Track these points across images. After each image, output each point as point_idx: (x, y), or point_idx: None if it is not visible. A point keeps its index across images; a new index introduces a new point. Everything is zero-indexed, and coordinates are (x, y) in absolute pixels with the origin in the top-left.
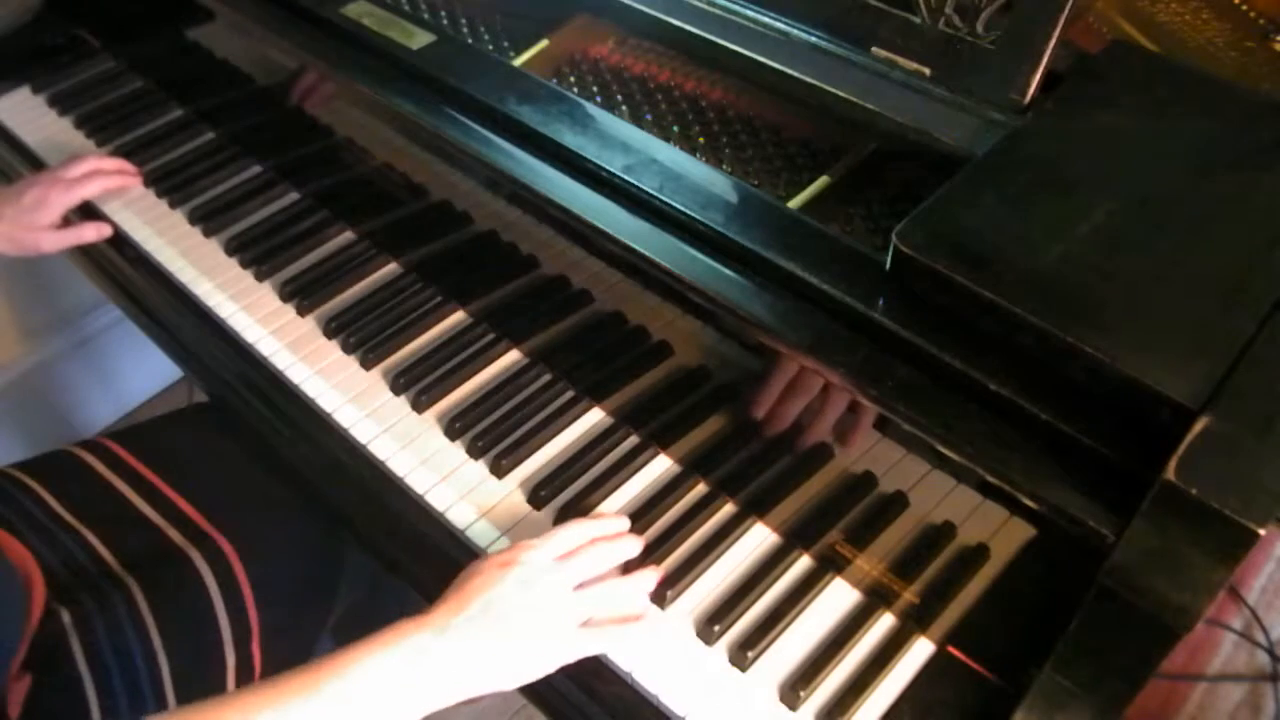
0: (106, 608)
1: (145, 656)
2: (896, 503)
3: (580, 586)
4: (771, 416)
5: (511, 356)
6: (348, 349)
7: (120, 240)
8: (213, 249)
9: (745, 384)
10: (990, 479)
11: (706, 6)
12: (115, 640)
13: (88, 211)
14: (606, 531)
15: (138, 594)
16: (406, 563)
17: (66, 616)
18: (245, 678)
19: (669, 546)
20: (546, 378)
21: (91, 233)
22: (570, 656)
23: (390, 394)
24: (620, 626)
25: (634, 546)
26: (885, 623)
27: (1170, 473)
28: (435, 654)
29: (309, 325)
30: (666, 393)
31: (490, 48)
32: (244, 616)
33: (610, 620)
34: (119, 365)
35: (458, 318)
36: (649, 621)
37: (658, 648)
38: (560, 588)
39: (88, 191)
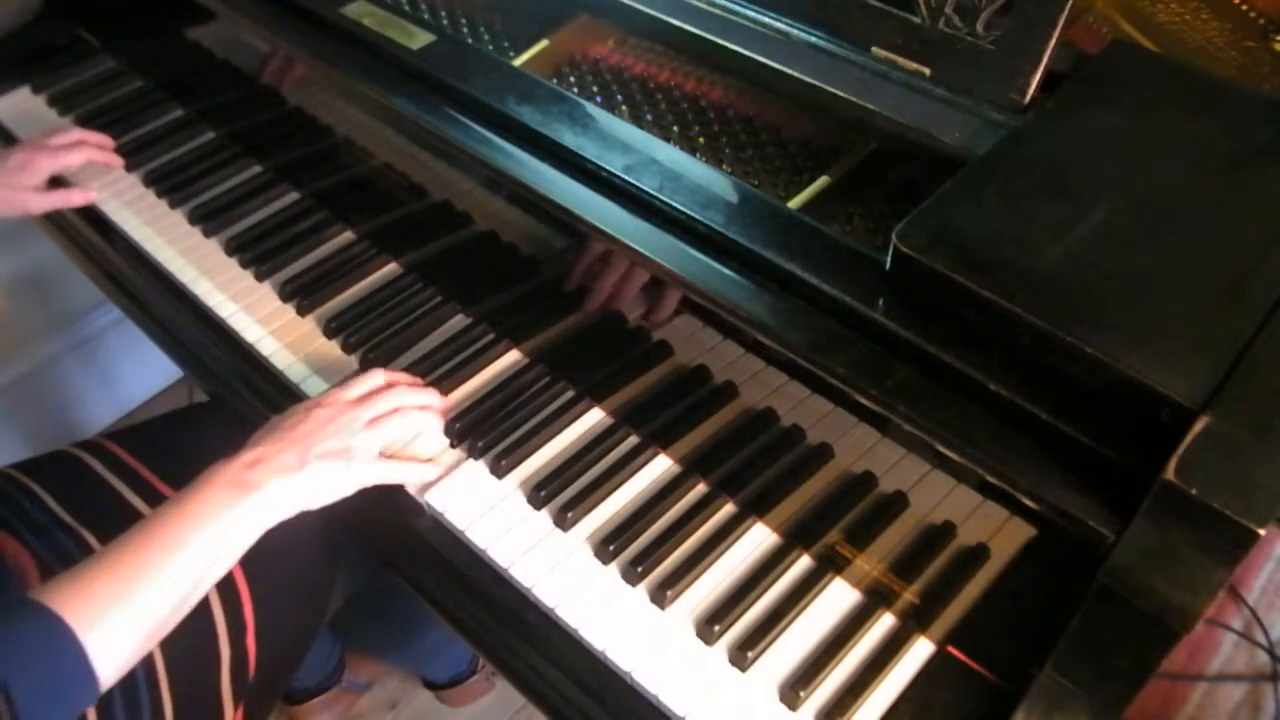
0: None
1: None
2: (896, 503)
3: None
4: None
5: (512, 356)
6: (348, 349)
7: (120, 239)
8: (213, 249)
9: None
10: (990, 479)
11: (706, 6)
12: None
13: (86, 210)
14: (405, 379)
15: None
16: (402, 559)
17: None
18: (240, 672)
19: (669, 546)
20: (546, 378)
21: (78, 197)
22: (367, 479)
23: None
24: (411, 464)
25: (432, 396)
26: (885, 623)
27: (1170, 473)
28: (254, 484)
29: (309, 325)
30: (666, 393)
31: (490, 48)
32: (239, 612)
33: (406, 456)
34: (119, 365)
35: (457, 318)
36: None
37: (658, 648)
38: (357, 420)
39: (72, 159)
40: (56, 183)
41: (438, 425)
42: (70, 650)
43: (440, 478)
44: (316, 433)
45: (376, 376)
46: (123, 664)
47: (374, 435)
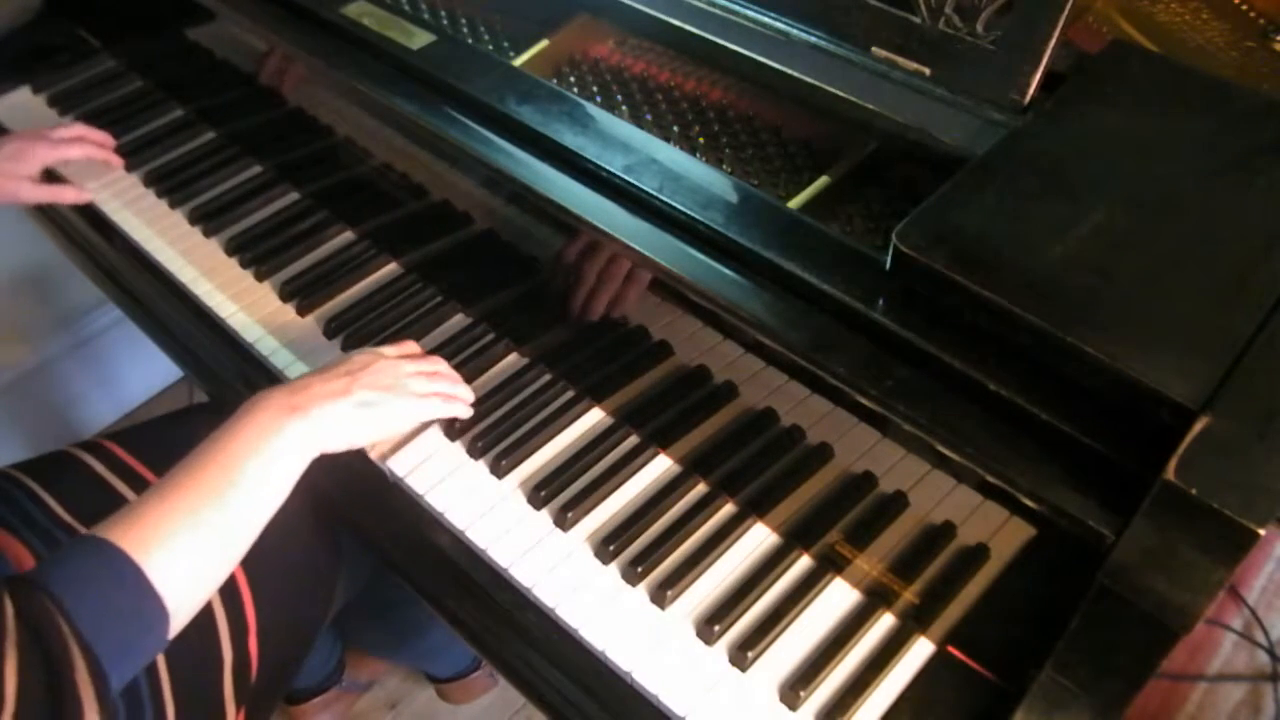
0: None
1: None
2: (896, 503)
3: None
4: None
5: (511, 357)
6: (348, 349)
7: (120, 240)
8: (213, 249)
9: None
10: (990, 479)
11: (706, 6)
12: None
13: (86, 210)
14: (438, 360)
15: None
16: (404, 560)
17: None
18: (242, 674)
19: (669, 546)
20: (546, 378)
21: (71, 194)
22: (412, 413)
23: None
24: (449, 402)
25: (462, 387)
26: (885, 623)
27: (1170, 473)
28: (302, 407)
29: (309, 325)
30: (666, 393)
31: (490, 48)
32: (241, 614)
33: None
34: (119, 365)
35: (457, 318)
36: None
37: (658, 648)
38: (400, 367)
39: (71, 153)
40: (53, 177)
41: (465, 402)
42: (132, 576)
43: (441, 479)
44: (363, 369)
45: (410, 344)
46: (191, 594)
47: (417, 380)
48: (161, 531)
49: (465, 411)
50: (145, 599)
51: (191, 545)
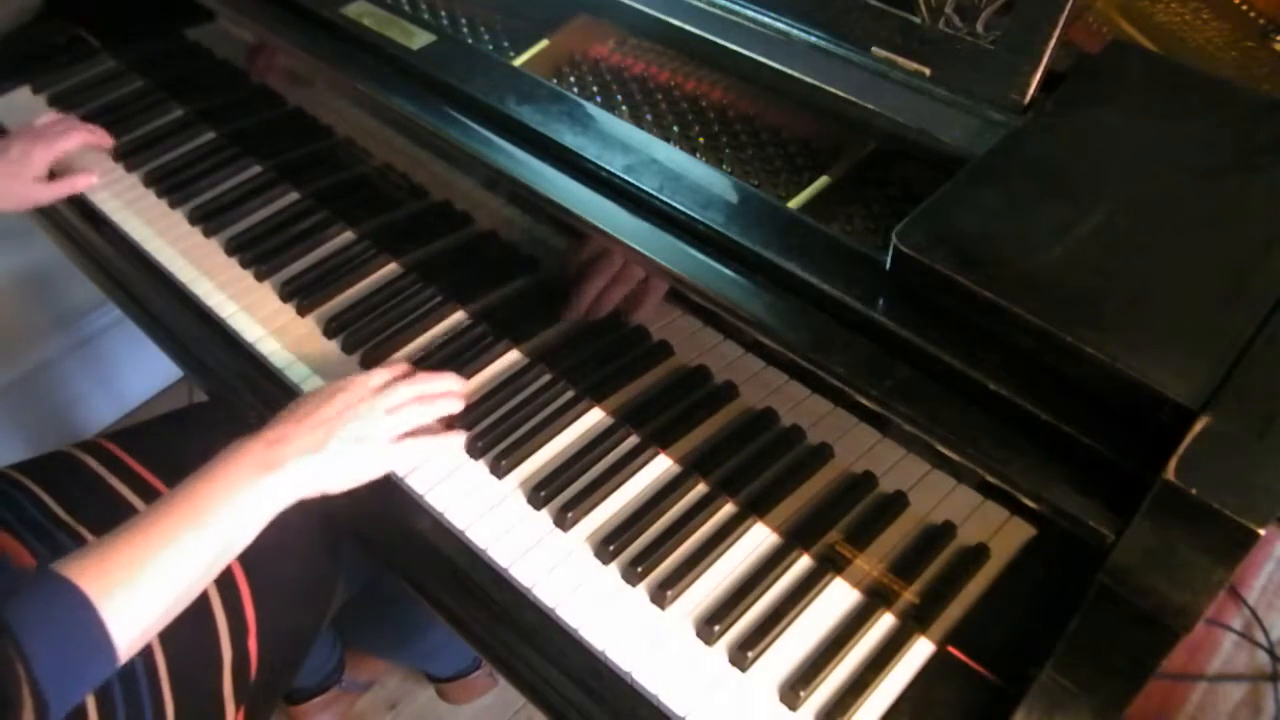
0: None
1: (141, 653)
2: (896, 503)
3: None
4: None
5: (511, 356)
6: (348, 349)
7: (120, 239)
8: (213, 249)
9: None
10: (990, 479)
11: (706, 6)
12: None
13: (86, 210)
14: (429, 378)
15: None
16: (404, 560)
17: None
18: (241, 674)
19: (669, 546)
20: (546, 378)
21: (82, 180)
22: (386, 464)
23: None
24: (429, 442)
25: (453, 381)
26: (885, 623)
27: (1170, 473)
28: (276, 463)
29: (309, 325)
30: (666, 393)
31: (490, 48)
32: (241, 613)
33: (423, 439)
34: (119, 365)
35: (457, 318)
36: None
37: (658, 648)
38: (377, 407)
39: (68, 144)
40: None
41: (458, 407)
42: (88, 621)
43: (441, 479)
44: (339, 416)
45: (400, 365)
46: (141, 636)
47: (394, 421)
48: (126, 576)
49: (450, 449)
50: (100, 646)
51: (153, 593)
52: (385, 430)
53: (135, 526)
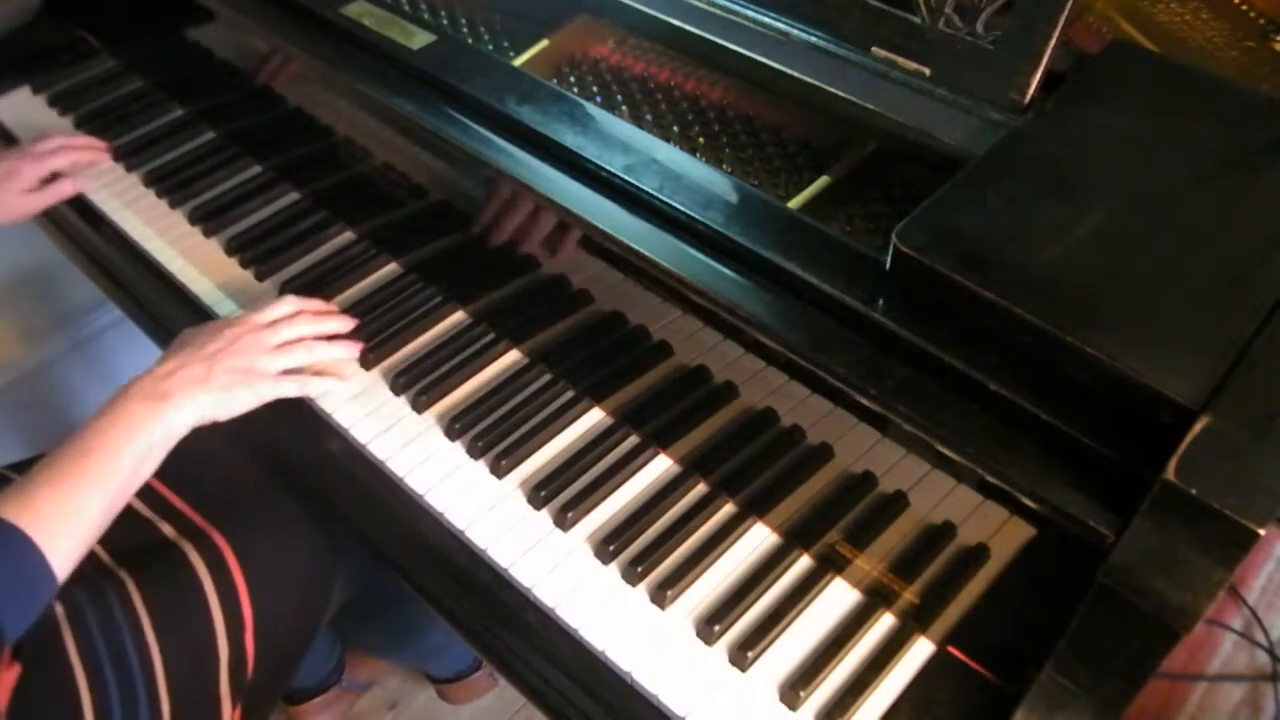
0: (99, 601)
1: (138, 649)
2: (896, 503)
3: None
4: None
5: (511, 356)
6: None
7: (120, 239)
8: (213, 249)
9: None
10: (990, 479)
11: (706, 6)
12: (108, 633)
13: (86, 211)
14: (315, 306)
15: (131, 587)
16: (404, 560)
17: (59, 609)
18: (238, 671)
19: (669, 546)
20: (546, 378)
21: (68, 187)
22: (267, 395)
23: (390, 394)
24: (315, 379)
25: (339, 323)
26: (885, 623)
27: (1170, 473)
28: (166, 394)
29: None
30: (666, 393)
31: (490, 48)
32: (238, 610)
33: (311, 373)
34: (119, 365)
35: (458, 318)
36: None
37: (658, 648)
38: (264, 343)
39: (57, 162)
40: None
41: (345, 354)
42: (30, 553)
43: (441, 479)
44: (225, 349)
45: (286, 303)
46: (72, 562)
47: (277, 359)
48: (53, 511)
49: (330, 385)
50: (40, 573)
51: (79, 524)
52: (267, 365)
53: (53, 467)
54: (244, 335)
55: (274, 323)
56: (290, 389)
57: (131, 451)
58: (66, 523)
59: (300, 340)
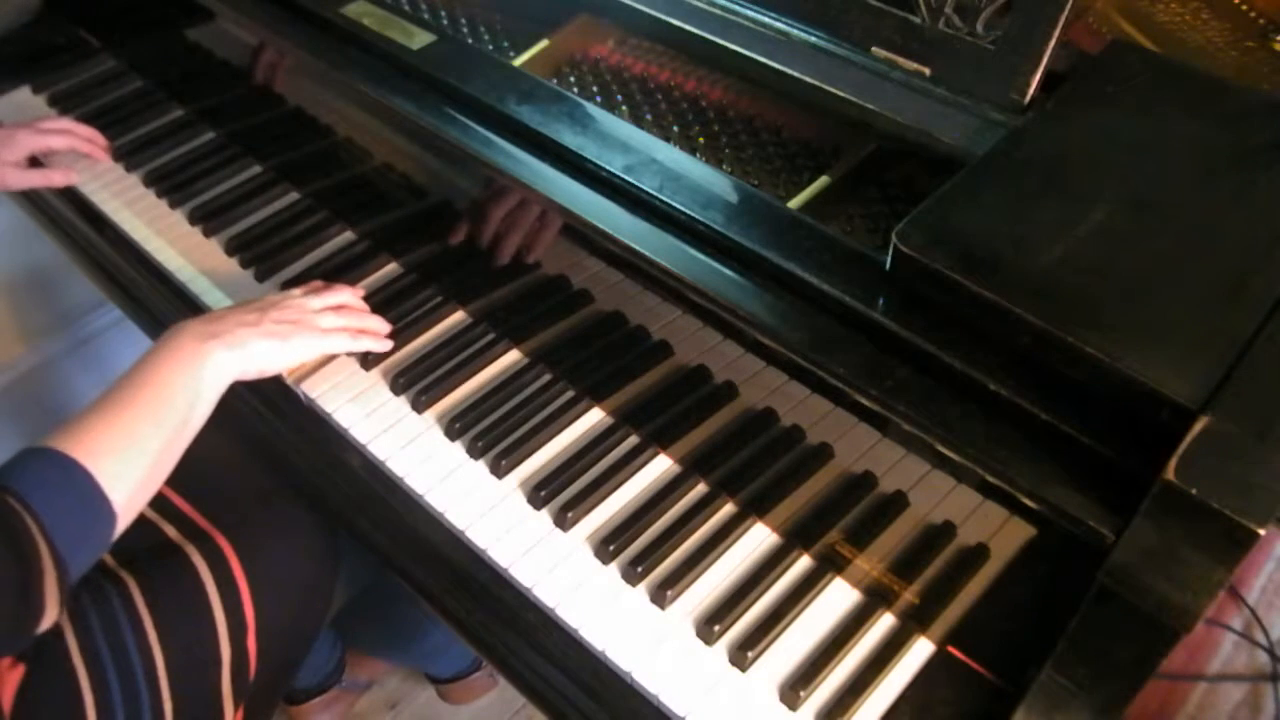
0: (102, 602)
1: (140, 650)
2: (896, 503)
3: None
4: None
5: (511, 356)
6: None
7: (120, 240)
8: (213, 249)
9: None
10: (990, 479)
11: (706, 6)
12: (110, 634)
13: (86, 210)
14: (360, 314)
15: (134, 589)
16: (404, 560)
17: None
18: (240, 672)
19: (669, 546)
20: (546, 378)
21: (59, 177)
22: (316, 346)
23: (390, 394)
24: (364, 336)
25: (379, 323)
26: (885, 623)
27: (1170, 473)
28: (218, 333)
29: None
30: (666, 393)
31: (490, 48)
32: (240, 611)
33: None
34: (119, 365)
35: (458, 318)
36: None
37: (658, 648)
38: (313, 302)
39: (55, 142)
40: (36, 164)
41: (388, 327)
42: (85, 483)
43: (441, 479)
44: (277, 303)
45: (340, 292)
46: (130, 500)
47: (324, 316)
48: (108, 446)
49: (379, 345)
50: (99, 503)
51: (134, 459)
52: (315, 318)
53: (104, 408)
54: (286, 299)
55: (310, 293)
56: (340, 342)
57: (182, 386)
58: (120, 459)
59: (346, 307)
